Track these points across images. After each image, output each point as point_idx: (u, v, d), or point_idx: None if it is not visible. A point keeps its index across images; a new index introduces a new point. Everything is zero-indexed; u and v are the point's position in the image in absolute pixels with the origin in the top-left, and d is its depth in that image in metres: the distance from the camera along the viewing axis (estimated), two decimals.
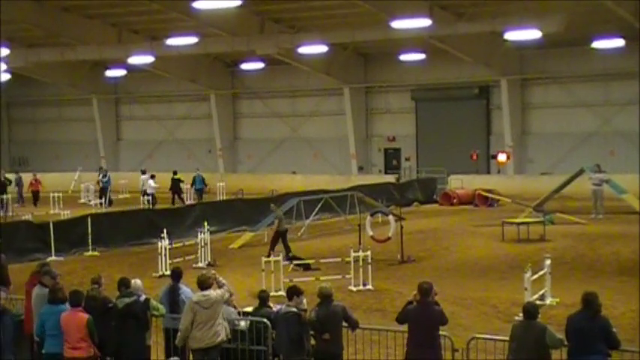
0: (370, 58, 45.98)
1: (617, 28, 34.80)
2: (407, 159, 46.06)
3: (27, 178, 40.79)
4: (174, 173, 37.94)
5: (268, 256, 19.25)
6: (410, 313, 10.53)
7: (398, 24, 30.96)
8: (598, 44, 37.18)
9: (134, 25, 40.14)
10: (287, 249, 22.13)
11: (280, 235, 22.58)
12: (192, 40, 35.54)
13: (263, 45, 36.43)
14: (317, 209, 29.16)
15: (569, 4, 31.73)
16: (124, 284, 11.51)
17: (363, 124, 46.84)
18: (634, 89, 39.54)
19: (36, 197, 38.68)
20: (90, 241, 24.08)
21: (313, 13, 37.85)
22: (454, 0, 34.41)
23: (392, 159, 46.79)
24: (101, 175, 39.01)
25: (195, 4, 27.58)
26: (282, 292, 16.43)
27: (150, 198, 35.56)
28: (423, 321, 10.38)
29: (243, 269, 20.81)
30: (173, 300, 11.83)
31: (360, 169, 46.30)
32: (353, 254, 18.36)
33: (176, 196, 37.16)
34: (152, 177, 36.46)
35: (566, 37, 35.74)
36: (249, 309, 12.09)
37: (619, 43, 36.49)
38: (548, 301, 15.97)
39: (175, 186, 37.32)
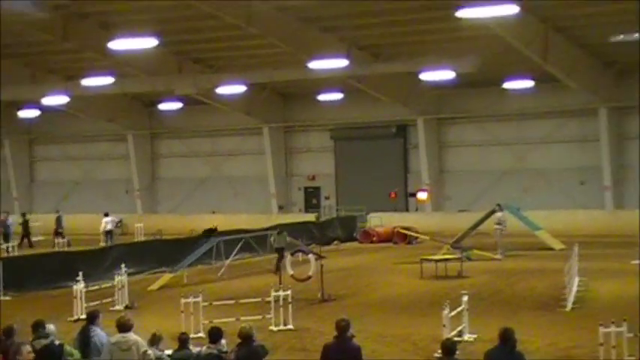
0: (289, 97, 46.28)
1: (527, 69, 35.85)
2: (327, 197, 46.29)
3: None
4: (23, 215, 40.25)
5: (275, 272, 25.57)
6: (328, 349, 10.56)
7: (316, 64, 31.27)
8: (510, 85, 38.21)
9: (49, 64, 39.58)
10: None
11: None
12: (108, 80, 35.17)
13: (182, 85, 36.35)
14: (237, 249, 29.02)
15: (482, 46, 32.58)
16: (39, 326, 11.25)
17: (282, 163, 46.96)
18: (545, 128, 40.75)
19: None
20: (1, 285, 23.42)
21: (232, 54, 37.99)
22: (371, 41, 34.99)
23: (312, 198, 46.94)
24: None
25: (110, 45, 27.32)
26: (202, 334, 16.25)
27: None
28: (341, 356, 10.41)
29: (162, 311, 20.51)
30: (84, 342, 11.52)
31: (281, 208, 46.31)
32: (273, 294, 18.30)
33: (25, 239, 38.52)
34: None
35: (480, 77, 36.65)
36: (169, 352, 11.93)
37: (529, 84, 37.59)
38: (466, 337, 16.15)
39: (25, 228, 39.00)
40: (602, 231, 35.92)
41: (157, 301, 22.42)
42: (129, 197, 49.83)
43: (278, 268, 25.92)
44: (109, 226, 37.64)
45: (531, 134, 41.33)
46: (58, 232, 38.23)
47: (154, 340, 11.43)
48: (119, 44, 27.14)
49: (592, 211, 38.97)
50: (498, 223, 30.49)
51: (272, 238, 28.61)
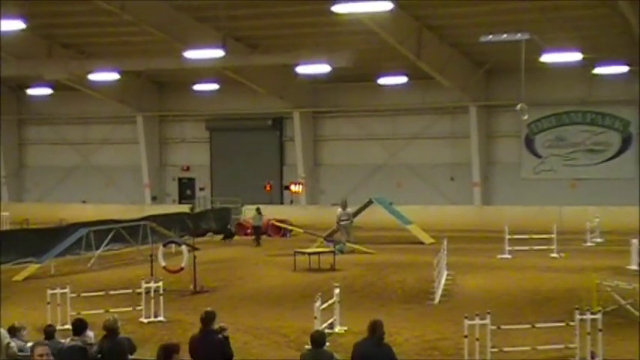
0: (164, 86, 45.63)
1: (401, 66, 36.46)
2: (201, 189, 45.93)
3: None
4: None
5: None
6: (191, 342, 10.45)
7: (191, 54, 30.89)
8: (384, 80, 38.79)
9: None
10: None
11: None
12: None
13: (51, 70, 35.17)
14: (108, 240, 28.42)
15: (357, 41, 32.94)
16: None
17: (157, 153, 46.29)
18: (418, 124, 41.63)
19: None
20: None
21: (105, 39, 37.11)
22: (247, 32, 34.86)
23: (186, 189, 46.50)
24: None
25: None
26: (69, 326, 15.86)
27: None
28: (203, 350, 10.31)
29: (27, 302, 19.91)
30: None
31: (154, 198, 45.65)
32: (144, 285, 18.04)
33: None
34: None
35: (355, 72, 36.99)
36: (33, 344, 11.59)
37: (403, 80, 38.26)
38: (337, 329, 16.36)
39: None
40: (471, 226, 37.02)
41: (22, 292, 21.73)
42: None
43: (258, 244, 31.83)
44: None
45: (404, 130, 42.10)
46: None
47: (13, 331, 11.10)
48: None
49: (461, 206, 40.14)
50: (346, 219, 30.61)
51: (252, 218, 33.86)
